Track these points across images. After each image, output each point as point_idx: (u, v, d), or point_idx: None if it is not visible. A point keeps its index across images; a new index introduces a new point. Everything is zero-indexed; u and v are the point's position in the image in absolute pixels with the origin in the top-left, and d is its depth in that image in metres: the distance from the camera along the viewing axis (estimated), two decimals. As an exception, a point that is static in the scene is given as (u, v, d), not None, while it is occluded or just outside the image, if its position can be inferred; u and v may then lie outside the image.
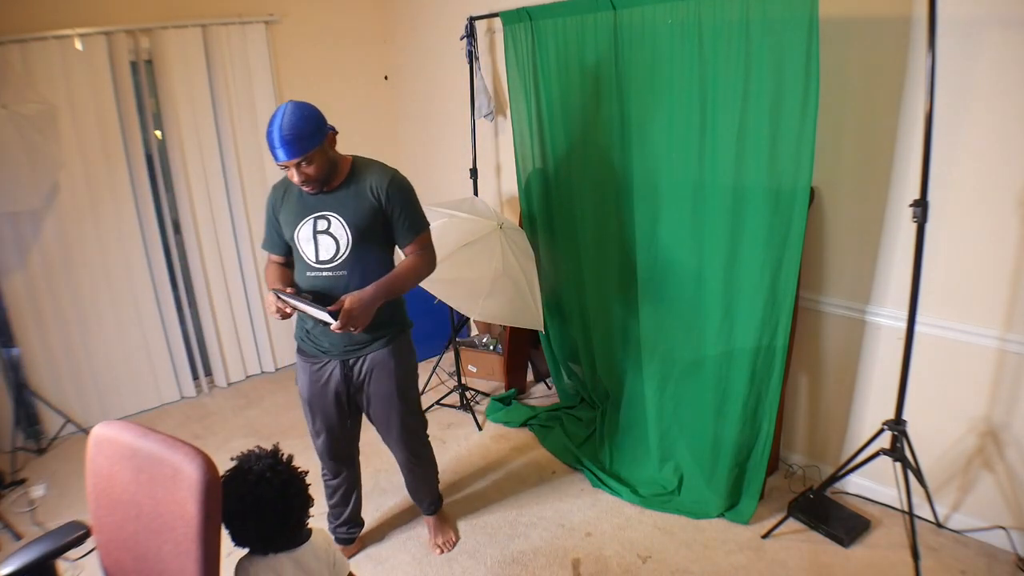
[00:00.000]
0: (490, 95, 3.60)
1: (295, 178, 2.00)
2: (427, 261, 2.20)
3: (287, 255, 2.24)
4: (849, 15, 2.31)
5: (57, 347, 3.47)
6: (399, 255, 2.23)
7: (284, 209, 2.16)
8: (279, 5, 3.88)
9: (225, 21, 3.64)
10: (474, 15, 3.42)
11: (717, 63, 2.40)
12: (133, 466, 1.53)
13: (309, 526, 1.65)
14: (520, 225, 3.48)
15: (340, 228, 2.08)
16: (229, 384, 4.08)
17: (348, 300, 2.00)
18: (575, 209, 3.18)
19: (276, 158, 1.96)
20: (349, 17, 4.22)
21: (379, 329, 2.19)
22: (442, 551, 2.57)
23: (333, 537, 2.47)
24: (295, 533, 1.59)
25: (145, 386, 3.79)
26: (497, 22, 3.43)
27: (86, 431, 3.03)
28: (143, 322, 3.69)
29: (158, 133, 3.66)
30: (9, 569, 1.55)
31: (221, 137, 3.75)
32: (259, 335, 4.16)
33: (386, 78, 4.50)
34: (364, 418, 2.41)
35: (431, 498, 2.61)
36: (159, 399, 3.85)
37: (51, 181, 3.24)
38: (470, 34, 3.44)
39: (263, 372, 4.24)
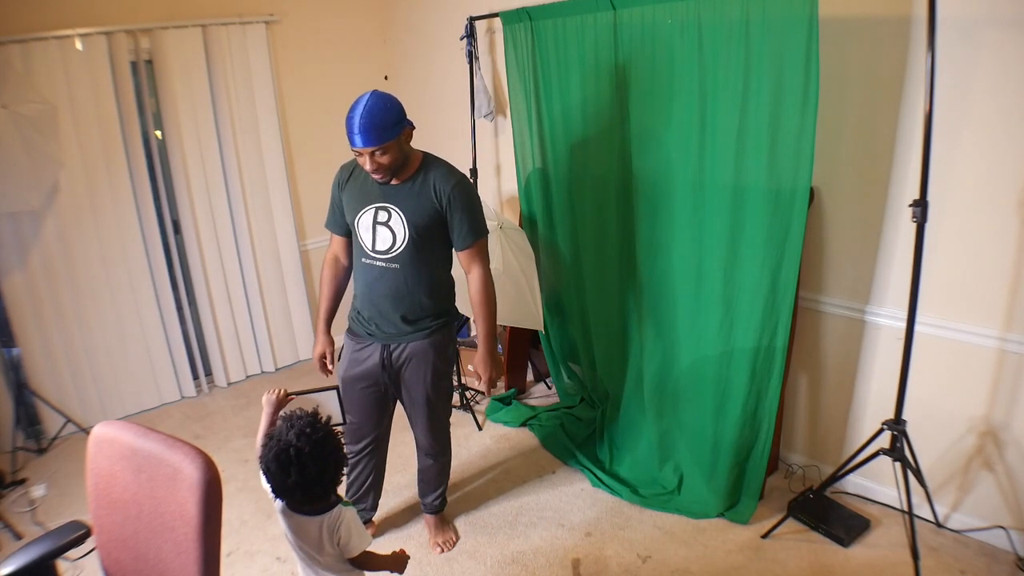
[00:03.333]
0: (490, 95, 3.60)
1: (367, 165, 2.04)
2: (488, 280, 2.25)
3: (349, 236, 2.30)
4: (849, 15, 2.32)
5: (57, 347, 3.46)
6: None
7: (348, 192, 2.23)
8: (279, 5, 3.88)
9: (225, 21, 3.64)
10: (474, 15, 3.42)
11: (717, 63, 2.40)
12: (133, 466, 1.53)
13: (340, 496, 1.65)
14: (520, 225, 3.48)
15: (399, 222, 2.13)
16: (229, 384, 4.08)
17: (482, 371, 2.28)
18: (575, 209, 3.18)
19: (353, 143, 2.01)
20: (349, 17, 4.22)
21: (424, 319, 2.25)
22: (443, 550, 2.57)
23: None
24: (329, 489, 1.58)
25: (145, 386, 3.79)
26: (497, 22, 3.43)
27: (86, 431, 3.03)
28: (143, 322, 3.69)
29: (158, 133, 3.66)
30: (9, 569, 1.55)
31: (221, 137, 3.75)
32: (259, 335, 4.16)
33: (386, 78, 4.50)
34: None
35: (439, 494, 2.62)
36: (159, 399, 3.85)
37: (51, 181, 3.24)
38: (470, 34, 3.44)
39: (263, 372, 4.24)
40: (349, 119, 1.99)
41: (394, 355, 2.28)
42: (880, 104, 2.32)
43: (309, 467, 1.47)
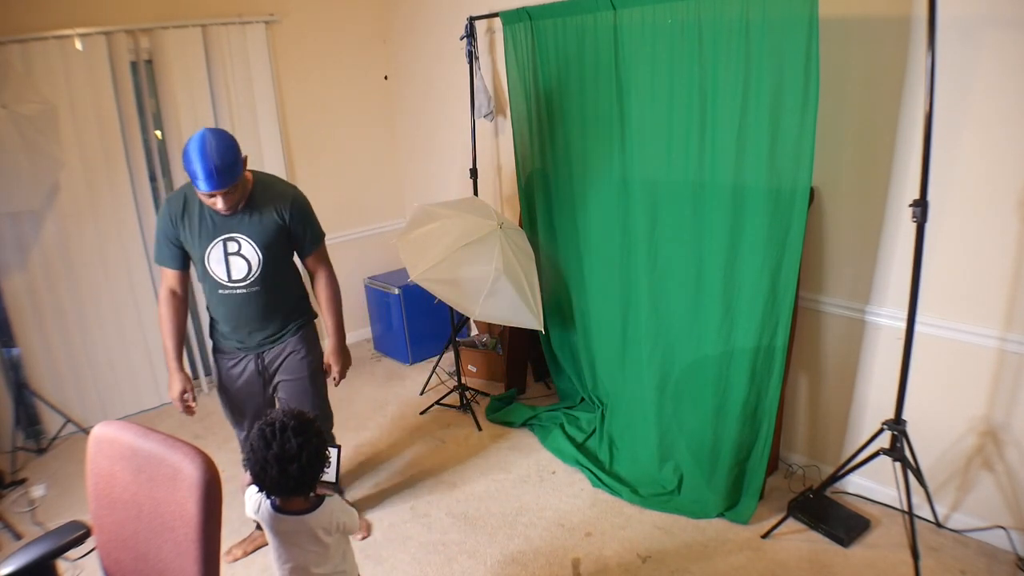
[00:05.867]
0: (490, 95, 3.60)
1: (219, 205, 2.07)
2: (333, 278, 2.42)
3: (185, 269, 2.28)
4: (849, 15, 2.31)
5: (57, 347, 3.47)
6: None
7: (187, 227, 2.18)
8: (279, 5, 3.88)
9: (225, 21, 3.64)
10: (474, 15, 3.42)
11: (717, 63, 2.40)
12: (133, 466, 1.53)
13: (322, 493, 1.67)
14: (520, 225, 3.47)
15: (251, 250, 2.19)
16: (229, 384, 4.08)
17: (334, 363, 2.39)
18: (575, 209, 3.18)
19: (201, 188, 2.00)
20: (349, 17, 4.23)
21: (288, 319, 2.36)
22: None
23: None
24: (311, 485, 1.60)
25: (145, 386, 3.79)
26: (497, 22, 3.43)
27: (86, 431, 3.02)
28: (143, 322, 3.69)
29: (158, 133, 3.66)
30: (9, 569, 1.55)
31: (221, 137, 3.75)
32: (259, 335, 4.15)
33: (386, 78, 4.50)
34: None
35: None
36: (159, 399, 3.85)
37: (51, 181, 3.24)
38: (470, 34, 3.44)
39: (263, 372, 4.24)
40: (190, 162, 1.96)
41: (267, 359, 2.38)
42: (880, 104, 2.32)
43: (292, 441, 1.50)
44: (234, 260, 2.19)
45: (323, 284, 2.41)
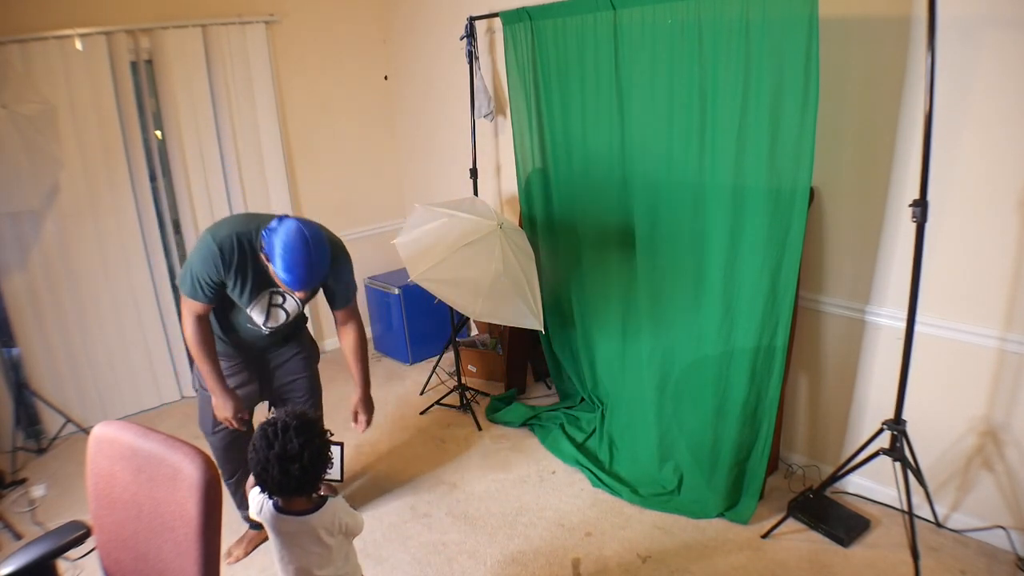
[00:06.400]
0: (490, 95, 3.60)
1: (299, 297, 2.07)
2: (362, 330, 2.40)
3: (216, 302, 2.21)
4: (849, 15, 2.31)
5: (57, 347, 3.47)
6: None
7: (235, 280, 2.11)
8: (279, 5, 3.88)
9: (225, 21, 3.64)
10: (474, 15, 3.42)
11: (717, 63, 2.39)
12: (133, 466, 1.53)
13: (323, 493, 1.67)
14: (520, 225, 3.47)
15: (294, 304, 2.28)
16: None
17: (361, 412, 2.38)
18: (575, 209, 3.18)
19: (295, 288, 1.95)
20: (349, 17, 4.23)
21: (291, 334, 2.44)
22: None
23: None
24: (313, 485, 1.60)
25: (145, 386, 3.79)
26: (497, 22, 3.43)
27: (86, 431, 3.03)
28: (143, 322, 3.69)
29: (158, 133, 3.66)
30: (9, 569, 1.55)
31: (221, 137, 3.75)
32: (259, 335, 4.16)
33: (386, 78, 4.50)
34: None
35: None
36: (159, 399, 3.85)
37: (51, 181, 3.24)
38: (470, 34, 3.44)
39: (263, 372, 4.24)
40: (294, 269, 1.89)
41: (269, 362, 2.44)
42: (880, 104, 2.32)
43: (294, 442, 1.50)
44: (275, 311, 2.24)
45: (352, 336, 2.37)
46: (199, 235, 2.16)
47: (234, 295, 2.16)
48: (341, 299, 2.32)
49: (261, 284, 2.14)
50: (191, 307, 2.16)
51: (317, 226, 2.03)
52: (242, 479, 2.50)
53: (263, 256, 1.98)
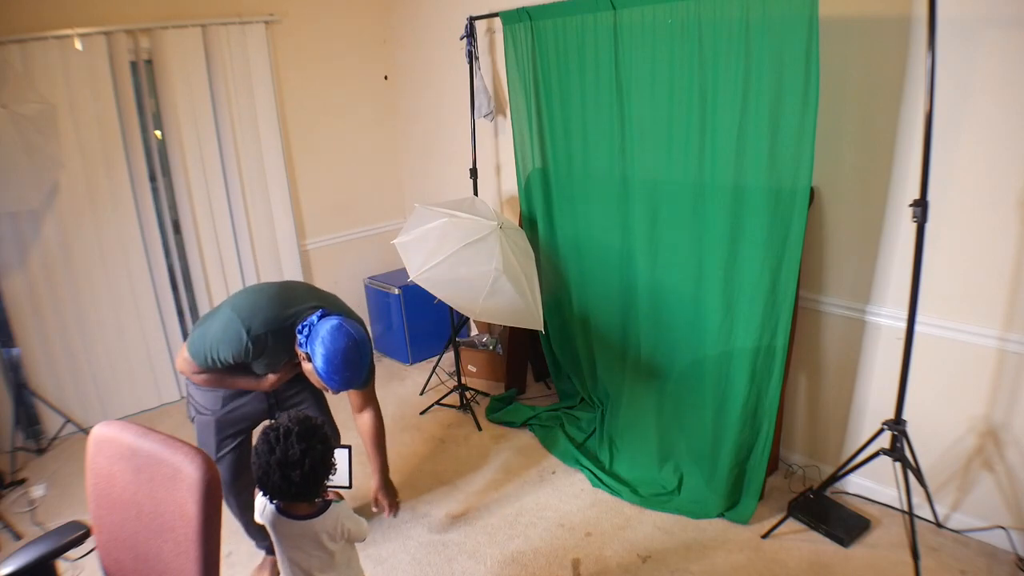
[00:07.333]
0: (490, 95, 3.60)
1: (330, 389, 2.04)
2: (379, 415, 2.37)
3: None
4: (849, 15, 2.31)
5: (57, 347, 3.46)
6: None
7: (260, 360, 2.09)
8: (279, 5, 3.88)
9: (225, 21, 3.64)
10: (474, 15, 3.42)
11: (717, 63, 2.40)
12: (133, 466, 1.53)
13: (329, 497, 1.67)
14: (520, 225, 3.48)
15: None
16: (229, 384, 4.08)
17: (382, 497, 2.32)
18: (575, 209, 3.18)
19: (337, 389, 1.96)
20: (349, 17, 4.23)
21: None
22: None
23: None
24: (314, 491, 1.59)
25: (145, 386, 3.79)
26: (497, 22, 3.43)
27: (86, 431, 3.02)
28: (143, 322, 3.69)
29: (158, 133, 3.66)
30: (9, 569, 1.55)
31: (221, 137, 3.75)
32: (259, 335, 4.15)
33: (386, 78, 4.50)
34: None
35: None
36: (159, 399, 3.85)
37: (51, 181, 3.24)
38: (470, 34, 3.44)
39: (263, 372, 4.24)
40: (341, 371, 1.90)
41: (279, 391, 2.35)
42: (880, 104, 2.32)
43: (295, 447, 1.50)
44: (292, 367, 2.23)
45: (369, 422, 2.34)
46: (222, 311, 2.05)
47: (259, 365, 2.13)
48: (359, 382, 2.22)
49: (282, 356, 2.12)
50: (195, 369, 2.11)
51: (358, 323, 2.02)
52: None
53: (300, 352, 1.97)
